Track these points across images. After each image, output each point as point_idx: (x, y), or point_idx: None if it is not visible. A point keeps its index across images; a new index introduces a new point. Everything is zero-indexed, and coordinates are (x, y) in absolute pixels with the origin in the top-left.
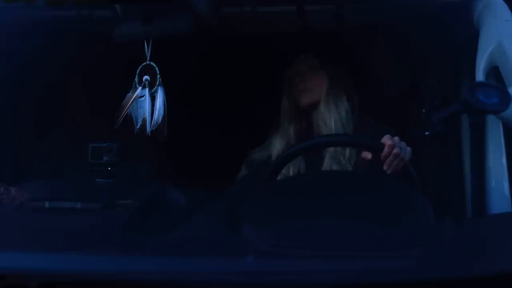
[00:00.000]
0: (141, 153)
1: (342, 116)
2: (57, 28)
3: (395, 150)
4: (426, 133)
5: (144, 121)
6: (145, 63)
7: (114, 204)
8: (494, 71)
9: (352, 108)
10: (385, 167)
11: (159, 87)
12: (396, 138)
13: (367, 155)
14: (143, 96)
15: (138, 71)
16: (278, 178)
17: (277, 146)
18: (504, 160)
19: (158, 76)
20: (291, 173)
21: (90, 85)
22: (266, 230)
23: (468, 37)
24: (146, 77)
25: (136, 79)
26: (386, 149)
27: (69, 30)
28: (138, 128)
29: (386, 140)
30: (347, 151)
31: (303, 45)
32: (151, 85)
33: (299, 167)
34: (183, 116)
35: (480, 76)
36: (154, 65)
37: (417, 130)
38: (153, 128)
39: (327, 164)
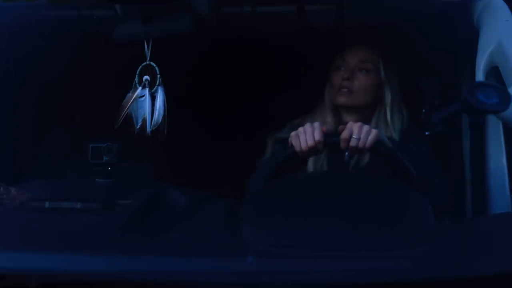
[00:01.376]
0: (141, 153)
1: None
2: (58, 28)
3: (352, 143)
4: (426, 133)
5: (144, 121)
6: (145, 63)
7: (114, 204)
8: (494, 71)
9: (402, 118)
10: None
11: (159, 87)
12: (356, 126)
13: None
14: (143, 96)
15: (138, 71)
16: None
17: None
18: (504, 160)
19: (158, 76)
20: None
21: (90, 85)
22: (266, 230)
23: (468, 37)
24: (146, 77)
25: (136, 79)
26: (341, 144)
27: (69, 30)
28: (138, 128)
29: (343, 131)
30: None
31: (303, 45)
32: (151, 85)
33: (322, 165)
34: (183, 116)
35: (480, 76)
36: (154, 65)
37: (417, 130)
38: (153, 128)
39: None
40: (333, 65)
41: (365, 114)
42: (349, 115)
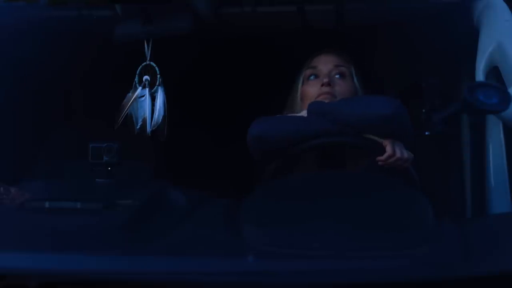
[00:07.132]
0: (141, 153)
1: None
2: (57, 28)
3: (398, 155)
4: (426, 133)
5: (144, 121)
6: (145, 63)
7: (114, 204)
8: (494, 71)
9: None
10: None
11: (159, 87)
12: (399, 146)
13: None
14: (143, 96)
15: (138, 71)
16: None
17: None
18: (504, 160)
19: (158, 76)
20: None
21: (91, 85)
22: (266, 230)
23: (468, 37)
24: (146, 77)
25: (136, 79)
26: (386, 157)
27: (69, 30)
28: (138, 128)
29: (388, 147)
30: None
31: (304, 45)
32: (151, 85)
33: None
34: (183, 116)
35: (480, 76)
36: (154, 65)
37: (417, 130)
38: (153, 128)
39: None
40: (303, 76)
41: None
42: None
